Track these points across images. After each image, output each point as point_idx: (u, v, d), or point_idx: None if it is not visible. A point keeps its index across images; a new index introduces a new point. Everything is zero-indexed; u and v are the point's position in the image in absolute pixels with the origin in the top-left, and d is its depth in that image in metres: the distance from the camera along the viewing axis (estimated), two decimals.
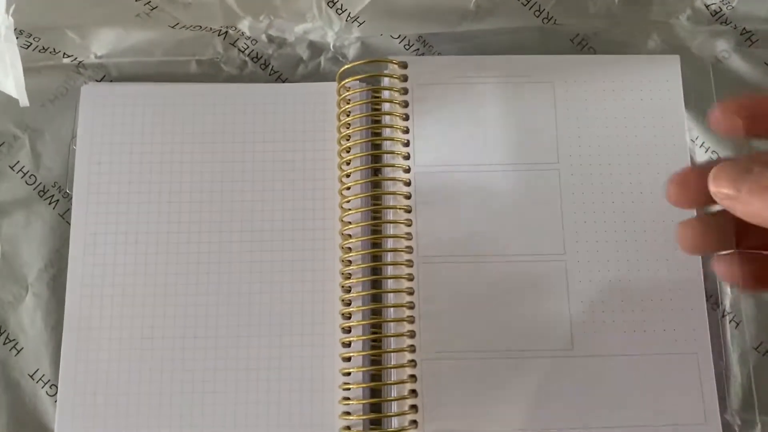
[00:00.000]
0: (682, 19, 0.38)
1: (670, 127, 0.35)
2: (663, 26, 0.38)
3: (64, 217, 0.36)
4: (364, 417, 0.32)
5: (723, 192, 0.22)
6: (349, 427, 0.32)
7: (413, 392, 0.32)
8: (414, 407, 0.32)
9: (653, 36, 0.38)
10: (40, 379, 0.34)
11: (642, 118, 0.35)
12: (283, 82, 0.38)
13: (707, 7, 0.37)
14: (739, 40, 0.37)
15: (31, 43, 0.36)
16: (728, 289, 0.34)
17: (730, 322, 0.34)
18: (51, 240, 0.36)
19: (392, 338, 0.33)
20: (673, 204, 0.25)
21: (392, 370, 0.32)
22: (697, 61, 0.37)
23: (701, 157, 0.36)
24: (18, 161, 0.37)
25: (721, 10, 0.37)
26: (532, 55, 0.37)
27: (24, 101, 0.33)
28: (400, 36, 0.38)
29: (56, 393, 0.34)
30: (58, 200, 0.36)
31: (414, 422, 0.32)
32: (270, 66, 0.38)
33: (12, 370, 0.34)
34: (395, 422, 0.32)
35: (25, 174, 0.37)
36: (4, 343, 0.34)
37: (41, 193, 0.36)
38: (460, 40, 0.38)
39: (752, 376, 0.33)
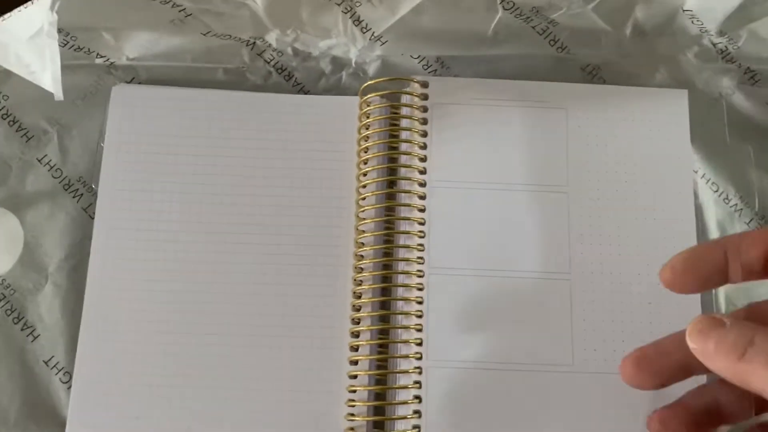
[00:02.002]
0: (690, 56, 0.40)
1: (675, 158, 0.37)
2: (671, 61, 0.40)
3: (87, 210, 0.37)
4: (369, 419, 0.33)
5: (695, 346, 0.23)
6: (353, 429, 0.33)
7: (417, 398, 0.33)
8: (417, 413, 0.33)
9: (661, 69, 0.40)
10: (55, 366, 0.35)
11: (649, 148, 0.37)
12: (305, 93, 0.39)
13: (714, 45, 0.39)
14: (743, 79, 0.39)
15: (68, 42, 0.37)
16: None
17: None
18: (73, 232, 0.37)
19: (399, 345, 0.34)
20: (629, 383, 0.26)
21: (398, 375, 0.33)
22: (702, 96, 0.39)
23: (703, 190, 0.37)
24: (46, 155, 0.38)
25: (728, 48, 0.39)
26: (545, 81, 0.38)
27: (59, 96, 0.34)
28: (419, 56, 0.40)
29: (69, 380, 0.35)
30: (82, 194, 0.37)
31: (417, 427, 0.33)
32: (293, 78, 0.40)
33: (28, 356, 0.35)
34: (399, 426, 0.33)
35: (51, 167, 0.38)
36: (22, 329, 0.35)
37: (66, 187, 0.38)
38: (476, 64, 0.39)
39: None
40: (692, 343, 0.23)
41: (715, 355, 0.22)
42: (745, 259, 0.24)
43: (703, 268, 0.25)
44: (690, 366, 0.25)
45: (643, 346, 0.25)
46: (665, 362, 0.24)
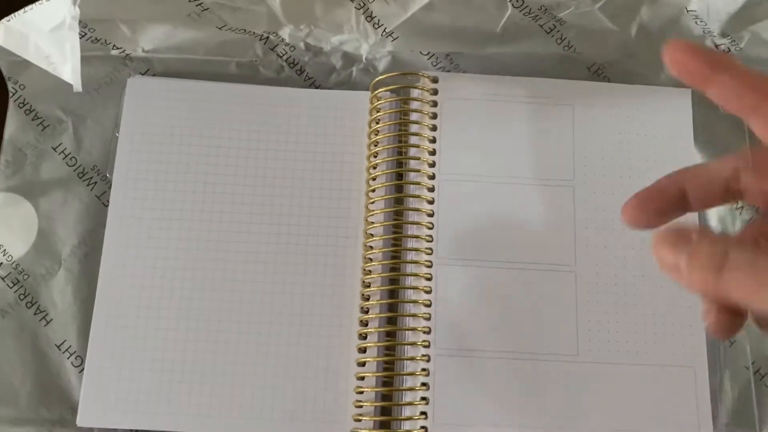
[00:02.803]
0: None
1: (679, 155, 0.38)
2: None
3: (101, 198, 0.38)
4: (377, 404, 0.34)
5: (664, 260, 0.21)
6: (361, 415, 0.34)
7: (425, 385, 0.34)
8: (425, 399, 0.33)
9: (665, 70, 0.40)
10: (67, 350, 0.36)
11: (653, 145, 0.38)
12: (317, 88, 0.40)
13: (717, 46, 0.40)
14: None
15: (86, 34, 0.38)
16: None
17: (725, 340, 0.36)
18: (86, 219, 0.37)
19: (408, 332, 0.35)
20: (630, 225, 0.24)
21: (406, 362, 0.34)
22: (704, 96, 0.40)
23: None
24: (61, 143, 0.39)
25: (730, 50, 0.40)
26: (551, 78, 0.39)
27: (78, 87, 0.35)
28: (429, 53, 0.40)
29: (81, 364, 0.35)
30: (96, 182, 0.38)
31: (424, 413, 0.33)
32: (305, 72, 0.40)
33: (40, 340, 0.36)
34: (406, 412, 0.33)
35: (66, 156, 0.38)
36: (35, 314, 0.36)
37: (80, 175, 0.38)
38: (484, 61, 0.40)
39: (742, 394, 0.35)
40: (660, 259, 0.21)
41: (689, 272, 0.20)
42: (706, 187, 0.24)
43: (661, 199, 0.24)
44: (685, 202, 0.24)
45: (640, 191, 0.24)
46: (662, 199, 0.24)
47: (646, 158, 0.38)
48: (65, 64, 0.34)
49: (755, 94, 0.21)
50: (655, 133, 0.38)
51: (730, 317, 0.23)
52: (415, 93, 0.38)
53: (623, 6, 0.38)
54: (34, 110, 0.39)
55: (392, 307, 0.35)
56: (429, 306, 0.35)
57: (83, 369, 0.35)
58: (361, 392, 0.34)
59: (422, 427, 0.33)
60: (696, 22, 0.39)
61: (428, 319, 0.35)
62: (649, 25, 0.39)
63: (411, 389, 0.34)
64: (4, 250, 0.37)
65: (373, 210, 0.36)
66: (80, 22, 0.36)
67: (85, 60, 0.38)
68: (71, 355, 0.36)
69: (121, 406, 0.34)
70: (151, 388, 0.34)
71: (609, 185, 0.37)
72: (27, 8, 0.35)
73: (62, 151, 0.39)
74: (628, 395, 0.34)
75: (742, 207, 0.38)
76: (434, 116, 0.38)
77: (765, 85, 0.21)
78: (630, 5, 0.39)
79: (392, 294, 0.35)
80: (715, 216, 0.38)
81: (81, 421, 0.34)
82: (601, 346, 0.35)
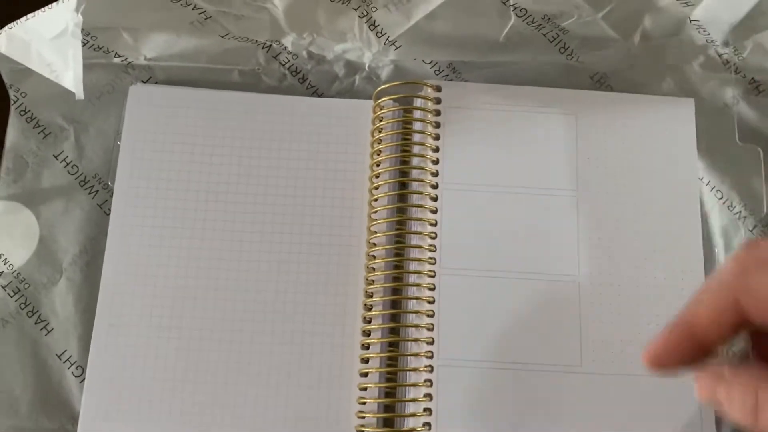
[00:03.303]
0: (695, 65, 0.40)
1: (682, 165, 0.38)
2: (677, 70, 0.40)
3: (102, 207, 0.38)
4: (380, 415, 0.33)
5: (705, 398, 0.23)
6: (363, 426, 0.34)
7: (428, 396, 0.34)
8: (428, 410, 0.33)
9: (667, 79, 0.40)
10: (68, 359, 0.35)
11: (657, 154, 0.38)
12: (319, 96, 0.40)
13: (720, 55, 0.40)
14: (748, 89, 0.40)
15: (88, 41, 0.38)
16: None
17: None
18: (88, 228, 0.37)
19: (411, 343, 0.34)
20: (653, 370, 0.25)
21: (409, 373, 0.34)
22: (707, 105, 0.40)
23: (708, 197, 0.38)
24: (62, 151, 0.38)
25: (733, 59, 0.40)
26: (554, 88, 0.39)
27: (80, 95, 0.35)
28: (431, 62, 0.40)
29: (82, 374, 0.35)
30: (97, 191, 0.38)
31: (427, 424, 0.33)
32: (308, 81, 0.40)
33: (41, 350, 0.35)
34: (410, 423, 0.33)
35: (68, 164, 0.38)
36: (36, 323, 0.36)
37: (82, 183, 0.38)
38: (486, 70, 0.40)
39: None
40: (702, 397, 0.23)
41: (730, 412, 0.22)
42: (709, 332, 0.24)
43: (678, 357, 0.24)
44: (703, 348, 0.24)
45: (654, 346, 0.24)
46: (679, 355, 0.24)
47: (649, 167, 0.38)
48: (67, 71, 0.34)
49: None
50: (659, 142, 0.38)
51: None
52: (418, 102, 0.38)
53: (626, 15, 0.38)
54: (35, 118, 0.39)
55: (395, 318, 0.35)
56: (432, 316, 0.35)
57: (84, 379, 0.35)
58: (364, 403, 0.34)
59: None
60: (699, 32, 0.39)
61: (431, 329, 0.34)
62: (652, 35, 0.39)
63: (414, 400, 0.33)
64: (5, 258, 0.37)
65: (376, 219, 0.36)
66: (82, 30, 0.36)
67: (87, 68, 0.37)
68: (72, 364, 0.35)
69: (122, 416, 0.34)
70: (152, 397, 0.34)
71: (612, 194, 0.37)
72: (29, 16, 0.35)
73: (63, 159, 0.38)
74: (632, 405, 0.34)
75: (745, 217, 0.38)
76: (437, 125, 0.38)
77: None
78: (633, 15, 0.39)
79: (395, 304, 0.35)
80: (718, 228, 0.38)
81: (82, 430, 0.34)
82: (605, 357, 0.35)
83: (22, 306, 0.36)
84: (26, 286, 0.36)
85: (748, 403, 0.21)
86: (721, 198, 0.38)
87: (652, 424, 0.34)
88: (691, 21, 0.39)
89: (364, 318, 0.35)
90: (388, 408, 0.34)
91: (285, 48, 0.40)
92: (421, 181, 0.37)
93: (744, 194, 0.38)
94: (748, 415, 0.21)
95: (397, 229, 0.36)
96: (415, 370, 0.34)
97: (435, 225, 0.36)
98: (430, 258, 0.36)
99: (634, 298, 0.36)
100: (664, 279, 0.36)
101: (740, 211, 0.38)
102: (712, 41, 0.39)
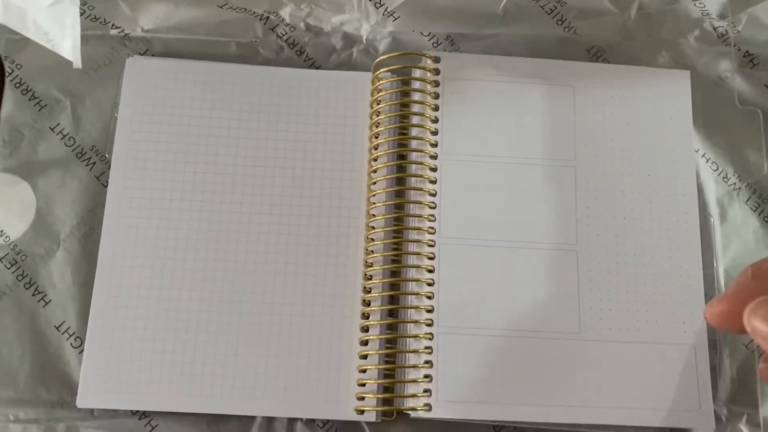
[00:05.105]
0: (691, 39, 0.41)
1: (678, 136, 0.38)
2: (672, 44, 0.41)
3: (100, 179, 0.37)
4: (380, 382, 0.34)
5: (756, 331, 0.24)
6: (364, 393, 0.34)
7: (428, 363, 0.34)
8: (428, 377, 0.34)
9: (663, 52, 0.41)
10: (66, 331, 0.35)
11: (653, 125, 0.38)
12: (317, 69, 0.40)
13: (715, 29, 0.40)
14: (742, 62, 0.40)
15: (85, 11, 0.38)
16: (723, 287, 0.37)
17: None
18: (85, 200, 0.37)
19: (411, 311, 0.35)
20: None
21: (409, 340, 0.34)
22: (702, 78, 0.40)
23: (703, 169, 0.38)
24: (59, 123, 0.38)
25: (727, 32, 0.40)
26: (553, 59, 0.39)
27: (77, 64, 0.34)
28: (429, 34, 0.40)
29: (80, 345, 0.35)
30: (95, 163, 0.38)
31: (427, 391, 0.33)
32: (305, 53, 0.40)
33: (39, 321, 0.35)
34: (410, 390, 0.33)
35: (64, 136, 0.38)
36: (33, 295, 0.36)
37: (79, 155, 0.38)
38: (484, 41, 0.40)
39: (741, 371, 0.36)
40: (752, 330, 0.24)
41: None
42: None
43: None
44: None
45: (719, 302, 0.26)
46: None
47: (645, 138, 0.38)
48: (65, 40, 0.34)
49: None
50: (655, 113, 0.38)
51: None
52: (416, 73, 0.38)
53: None
54: (31, 90, 0.38)
55: (395, 287, 0.35)
56: (432, 285, 0.35)
57: (83, 350, 0.35)
58: (364, 371, 0.34)
59: (426, 405, 0.33)
60: (695, 5, 0.40)
61: (431, 297, 0.35)
62: (649, 7, 0.40)
63: (414, 367, 0.34)
64: (2, 230, 0.36)
65: (375, 190, 0.36)
66: None
67: (83, 39, 0.37)
68: (70, 336, 0.35)
69: (121, 387, 0.34)
70: (151, 369, 0.34)
71: (610, 165, 0.37)
72: None
73: (60, 132, 0.38)
74: (630, 372, 0.34)
75: (740, 188, 0.38)
76: (436, 96, 0.38)
77: None
78: None
79: (395, 273, 0.35)
80: (713, 199, 0.38)
81: (81, 402, 0.34)
82: (603, 324, 0.35)
83: (20, 278, 0.36)
84: (23, 257, 0.36)
85: None
86: (717, 170, 0.39)
87: (649, 389, 0.34)
88: None
89: (364, 287, 0.35)
90: (388, 375, 0.34)
91: (282, 20, 0.40)
92: (421, 151, 0.37)
93: (738, 166, 0.39)
94: None
95: (397, 200, 0.36)
96: (415, 336, 0.34)
97: (434, 195, 0.36)
98: (430, 228, 0.36)
99: (632, 267, 0.36)
100: (660, 248, 0.36)
101: (735, 183, 0.38)
102: (707, 14, 0.40)
